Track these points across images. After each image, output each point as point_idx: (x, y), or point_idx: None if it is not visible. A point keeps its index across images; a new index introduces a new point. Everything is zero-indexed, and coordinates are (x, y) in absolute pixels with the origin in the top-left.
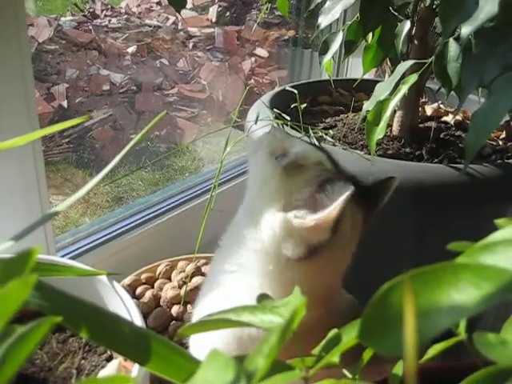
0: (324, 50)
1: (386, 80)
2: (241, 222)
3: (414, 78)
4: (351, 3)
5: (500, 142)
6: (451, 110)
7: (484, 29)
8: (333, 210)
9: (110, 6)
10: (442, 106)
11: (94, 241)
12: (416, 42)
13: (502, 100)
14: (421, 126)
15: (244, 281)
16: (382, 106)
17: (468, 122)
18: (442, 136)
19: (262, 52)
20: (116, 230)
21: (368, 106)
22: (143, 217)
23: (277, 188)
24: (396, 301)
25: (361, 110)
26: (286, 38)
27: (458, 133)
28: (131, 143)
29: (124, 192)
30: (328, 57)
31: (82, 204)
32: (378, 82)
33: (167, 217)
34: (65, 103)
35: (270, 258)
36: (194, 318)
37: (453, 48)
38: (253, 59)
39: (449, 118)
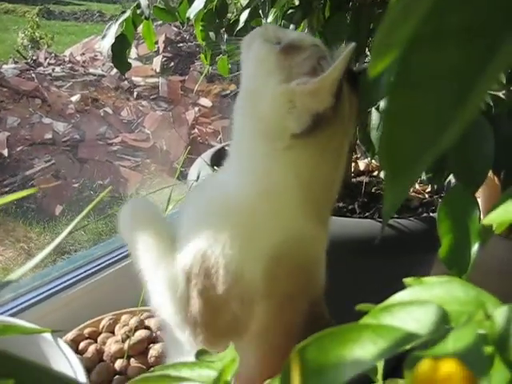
0: None
1: None
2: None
3: None
4: None
5: (426, 196)
6: None
7: None
8: (334, 68)
9: (53, 54)
10: (373, 161)
11: (35, 296)
12: None
13: None
14: (354, 180)
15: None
16: None
17: None
18: (373, 190)
19: (205, 102)
20: (59, 284)
21: None
22: (86, 271)
23: (275, 66)
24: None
25: None
26: (228, 92)
27: None
28: (73, 224)
29: (66, 242)
30: None
31: (22, 255)
32: None
33: (110, 270)
34: (5, 152)
35: (274, 136)
36: None
37: (374, 117)
38: (196, 109)
39: (380, 173)
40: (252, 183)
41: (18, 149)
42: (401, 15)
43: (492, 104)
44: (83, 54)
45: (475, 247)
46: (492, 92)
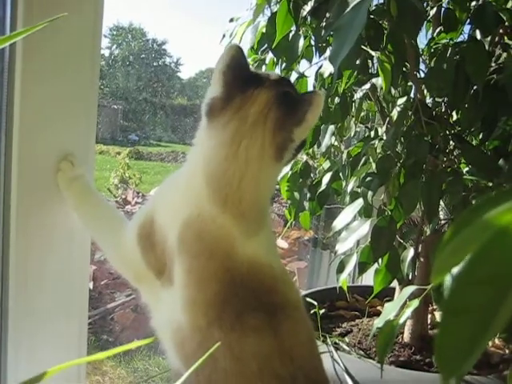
0: (340, 269)
1: (394, 301)
2: None
3: (415, 303)
4: (364, 234)
5: (507, 351)
6: None
7: None
8: (217, 64)
9: (141, 194)
10: None
11: None
12: (422, 259)
13: None
14: (430, 332)
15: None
16: (390, 325)
17: None
18: None
19: (282, 243)
20: None
21: (378, 323)
22: None
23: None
24: None
25: (375, 314)
26: (307, 238)
27: None
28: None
29: (140, 378)
30: (344, 275)
31: None
32: (390, 289)
33: None
34: (90, 285)
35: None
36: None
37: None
38: None
39: None
40: (184, 167)
41: (103, 282)
42: (452, 252)
43: None
44: None
45: None
46: None
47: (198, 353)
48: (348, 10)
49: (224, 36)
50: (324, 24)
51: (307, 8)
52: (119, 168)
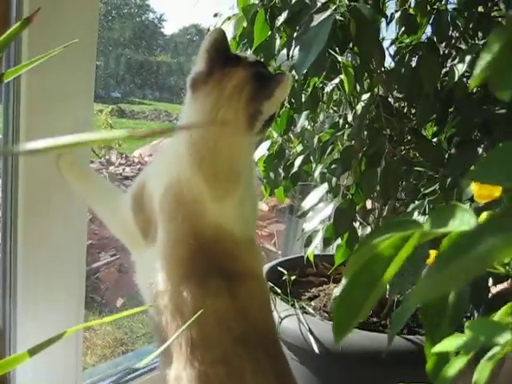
0: (307, 243)
1: None
2: None
3: None
4: (327, 216)
5: None
6: None
7: None
8: (202, 45)
9: (124, 155)
10: None
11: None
12: None
13: None
14: (386, 297)
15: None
16: None
17: None
18: None
19: (261, 206)
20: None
21: (337, 292)
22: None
23: None
24: None
25: (340, 280)
26: (284, 205)
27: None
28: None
29: (124, 334)
30: (311, 249)
31: (83, 343)
32: None
33: None
34: None
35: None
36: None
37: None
38: None
39: None
40: (173, 136)
41: (88, 242)
42: (354, 261)
43: None
44: (151, 154)
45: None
46: None
47: (168, 306)
48: (312, 25)
49: (208, 30)
50: (295, 34)
51: (281, 18)
52: (102, 128)
